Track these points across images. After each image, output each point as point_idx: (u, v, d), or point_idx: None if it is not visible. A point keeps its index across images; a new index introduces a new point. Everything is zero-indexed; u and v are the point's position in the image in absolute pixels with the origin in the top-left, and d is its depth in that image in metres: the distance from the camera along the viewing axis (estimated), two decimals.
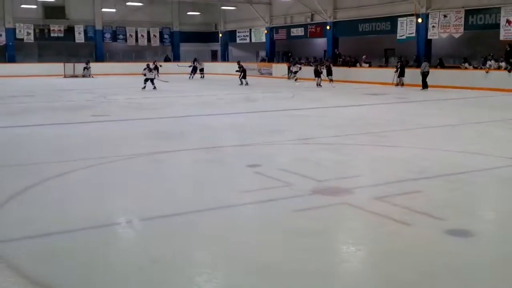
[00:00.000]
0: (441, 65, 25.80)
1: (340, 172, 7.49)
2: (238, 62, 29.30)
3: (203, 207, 5.76)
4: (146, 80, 23.21)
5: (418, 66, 26.26)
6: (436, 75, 24.75)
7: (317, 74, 26.34)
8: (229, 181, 7.03)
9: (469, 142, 9.99)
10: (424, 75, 23.70)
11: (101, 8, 40.08)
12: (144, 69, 23.78)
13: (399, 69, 25.39)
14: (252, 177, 7.16)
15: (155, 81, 23.72)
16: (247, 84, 26.88)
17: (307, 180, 6.81)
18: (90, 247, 4.62)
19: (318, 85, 25.89)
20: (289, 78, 31.58)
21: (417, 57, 26.81)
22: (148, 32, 42.23)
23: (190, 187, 6.79)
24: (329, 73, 26.73)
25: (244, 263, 4.31)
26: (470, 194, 6.53)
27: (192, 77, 33.30)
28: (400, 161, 8.20)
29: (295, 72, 30.76)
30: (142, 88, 22.82)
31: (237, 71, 28.36)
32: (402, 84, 25.27)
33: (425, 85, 23.60)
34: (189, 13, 42.98)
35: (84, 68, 35.16)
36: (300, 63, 32.09)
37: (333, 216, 5.56)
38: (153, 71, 24.83)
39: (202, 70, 34.27)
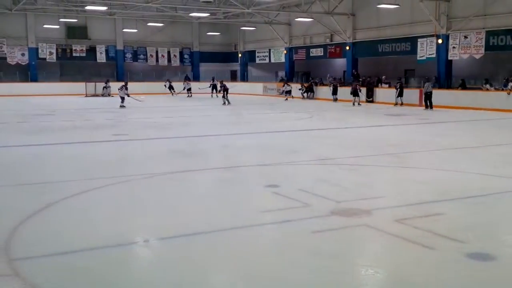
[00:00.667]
0: (463, 86, 25.62)
1: (360, 193, 7.43)
2: (213, 79, 31.85)
3: (222, 227, 5.76)
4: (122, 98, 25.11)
5: (440, 87, 26.16)
6: (457, 96, 24.59)
7: (356, 94, 26.87)
8: (248, 201, 7.03)
9: (491, 164, 9.84)
10: (427, 95, 23.99)
11: (123, 29, 40.71)
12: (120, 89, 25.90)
13: (398, 90, 26.22)
14: (270, 197, 7.15)
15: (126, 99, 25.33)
16: (229, 103, 27.27)
17: (326, 201, 6.77)
18: (109, 267, 4.63)
19: (357, 104, 26.58)
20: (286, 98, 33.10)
21: (437, 78, 26.67)
22: (169, 52, 42.73)
23: (209, 207, 6.78)
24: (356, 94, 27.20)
25: (263, 284, 4.29)
26: (492, 217, 6.42)
27: (216, 95, 33.93)
28: (421, 183, 8.11)
29: (288, 92, 33.23)
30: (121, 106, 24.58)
31: (218, 87, 31.49)
32: (402, 104, 25.98)
33: (430, 105, 23.84)
34: (209, 33, 43.45)
35: (104, 87, 35.66)
36: (288, 84, 34.22)
37: (352, 238, 5.51)
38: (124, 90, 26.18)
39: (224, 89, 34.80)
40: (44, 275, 4.45)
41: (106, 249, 5.06)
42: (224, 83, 29.29)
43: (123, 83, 27.09)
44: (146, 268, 4.79)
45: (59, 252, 4.95)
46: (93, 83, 36.18)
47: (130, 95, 25.60)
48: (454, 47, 25.82)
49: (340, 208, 6.44)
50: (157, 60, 42.24)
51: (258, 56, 42.15)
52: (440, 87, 26.42)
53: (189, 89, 36.63)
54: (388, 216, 6.17)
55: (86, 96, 34.97)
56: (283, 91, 33.96)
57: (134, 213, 6.47)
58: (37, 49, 38.42)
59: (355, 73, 32.12)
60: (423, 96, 24.24)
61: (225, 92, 27.83)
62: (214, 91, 34.79)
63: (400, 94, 26.10)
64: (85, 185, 7.82)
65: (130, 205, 6.83)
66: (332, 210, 6.34)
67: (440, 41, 26.19)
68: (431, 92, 23.78)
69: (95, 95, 35.07)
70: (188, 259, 4.82)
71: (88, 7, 32.49)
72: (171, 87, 37.40)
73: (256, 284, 4.31)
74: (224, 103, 27.33)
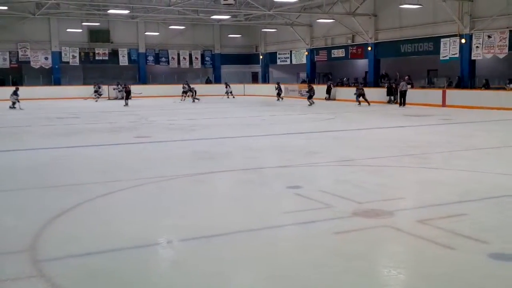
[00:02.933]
0: (487, 86, 25.31)
1: (382, 194, 7.41)
2: (186, 83, 33.98)
3: (245, 228, 5.81)
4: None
5: (464, 87, 25.90)
6: (480, 96, 24.31)
7: (390, 93, 28.53)
8: (269, 202, 7.06)
9: None
10: (402, 93, 25.62)
11: (145, 32, 41.16)
12: (119, 90, 28.43)
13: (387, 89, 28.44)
14: (292, 198, 7.17)
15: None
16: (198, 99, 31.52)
17: (348, 202, 6.78)
18: (132, 267, 4.69)
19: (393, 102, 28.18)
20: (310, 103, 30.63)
21: (460, 78, 26.40)
22: (190, 55, 43.04)
23: (231, 208, 6.84)
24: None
25: (285, 285, 4.31)
26: None
27: (184, 99, 33.64)
28: (443, 184, 8.06)
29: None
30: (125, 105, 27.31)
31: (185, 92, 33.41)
32: (395, 102, 27.65)
33: (403, 103, 25.66)
34: (230, 35, 43.64)
35: (117, 90, 35.63)
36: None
37: (374, 238, 5.50)
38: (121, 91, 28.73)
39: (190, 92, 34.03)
40: (69, 276, 4.52)
41: (130, 250, 5.13)
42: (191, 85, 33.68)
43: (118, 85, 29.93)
44: (169, 269, 4.85)
45: (83, 253, 5.02)
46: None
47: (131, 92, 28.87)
48: (477, 47, 25.53)
49: (362, 209, 6.43)
50: (178, 63, 42.58)
51: (279, 58, 42.17)
52: (464, 87, 26.15)
53: (186, 92, 34.70)
54: (411, 217, 6.15)
55: (109, 99, 35.36)
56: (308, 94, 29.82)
57: (157, 214, 6.54)
58: (60, 53, 39.03)
59: (384, 73, 32.18)
60: (398, 93, 26.14)
61: (194, 93, 32.36)
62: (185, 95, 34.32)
63: (389, 93, 28.20)
64: (109, 187, 7.93)
65: (153, 207, 6.89)
66: (354, 211, 6.34)
67: (463, 40, 25.91)
68: (405, 91, 25.58)
69: (120, 98, 35.18)
70: (211, 260, 4.86)
71: (110, 11, 32.92)
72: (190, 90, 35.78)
73: (279, 285, 4.33)
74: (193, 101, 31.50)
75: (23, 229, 5.78)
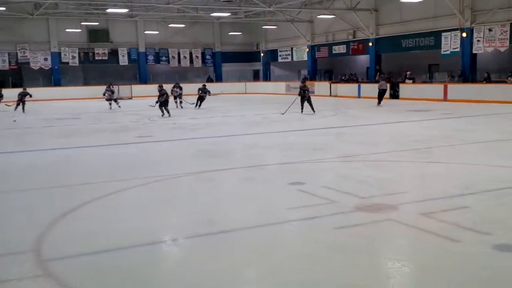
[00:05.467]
0: (488, 79, 25.29)
1: (384, 189, 7.43)
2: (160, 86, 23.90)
3: (249, 224, 5.85)
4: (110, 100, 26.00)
5: (465, 81, 25.88)
6: (482, 90, 24.29)
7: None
8: (273, 199, 7.10)
9: None
10: (380, 92, 24.36)
11: (144, 31, 41.05)
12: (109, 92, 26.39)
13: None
14: (295, 194, 7.20)
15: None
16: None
17: (351, 197, 6.80)
18: (139, 265, 4.72)
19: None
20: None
21: (462, 72, 26.38)
22: (191, 53, 42.97)
23: (236, 205, 6.87)
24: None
25: (291, 280, 4.34)
26: None
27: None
28: (445, 177, 8.08)
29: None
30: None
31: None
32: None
33: (380, 102, 24.22)
34: (230, 33, 43.58)
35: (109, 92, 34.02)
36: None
37: (378, 232, 5.53)
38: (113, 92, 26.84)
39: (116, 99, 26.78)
40: (76, 275, 4.54)
41: (137, 248, 5.16)
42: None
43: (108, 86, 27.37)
44: (176, 266, 4.88)
45: (90, 252, 5.05)
46: (116, 87, 36.37)
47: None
48: (478, 41, 25.51)
49: (366, 204, 6.46)
50: (179, 62, 42.49)
51: (280, 55, 42.16)
52: (465, 81, 26.13)
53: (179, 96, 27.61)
54: (414, 210, 6.18)
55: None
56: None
57: (163, 212, 6.58)
58: (59, 53, 38.88)
59: (378, 68, 31.91)
60: (377, 92, 24.56)
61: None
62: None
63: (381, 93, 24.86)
64: (113, 186, 7.96)
65: (159, 205, 6.93)
66: (358, 206, 6.37)
67: (464, 34, 25.89)
68: (385, 89, 24.59)
69: (120, 98, 34.70)
70: (216, 257, 4.89)
71: (109, 10, 32.72)
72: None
73: (283, 280, 4.36)
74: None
75: (30, 229, 5.82)
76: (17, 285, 4.38)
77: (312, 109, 20.39)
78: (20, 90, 26.13)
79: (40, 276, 4.48)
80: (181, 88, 25.86)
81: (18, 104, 24.83)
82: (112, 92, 26.58)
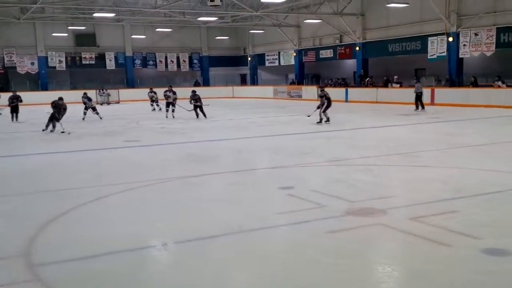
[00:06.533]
0: (475, 84, 25.47)
1: (374, 193, 7.43)
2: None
3: (238, 229, 5.78)
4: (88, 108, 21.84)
5: (452, 85, 26.04)
6: (468, 94, 24.46)
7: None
8: (262, 203, 7.06)
9: (504, 161, 9.80)
10: (418, 96, 22.82)
11: (131, 35, 40.95)
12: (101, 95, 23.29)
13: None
14: (285, 199, 7.17)
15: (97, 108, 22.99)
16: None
17: (341, 201, 6.79)
18: (127, 270, 4.69)
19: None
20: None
21: (449, 76, 26.57)
22: (178, 58, 42.94)
23: (224, 210, 6.82)
24: None
25: (279, 285, 4.31)
26: (507, 213, 6.38)
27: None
28: (434, 181, 8.09)
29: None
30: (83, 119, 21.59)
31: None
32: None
33: (421, 106, 22.60)
34: (217, 37, 43.56)
35: (102, 95, 34.47)
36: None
37: (368, 237, 5.51)
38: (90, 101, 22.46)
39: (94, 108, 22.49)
40: (64, 280, 4.52)
41: (124, 253, 5.12)
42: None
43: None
44: (164, 271, 4.83)
45: (78, 257, 5.02)
46: (108, 91, 36.20)
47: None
48: (464, 45, 25.74)
49: (355, 208, 6.45)
50: (166, 66, 42.44)
51: (267, 59, 42.22)
52: (452, 85, 26.32)
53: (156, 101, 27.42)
54: (403, 214, 6.17)
55: (97, 103, 34.97)
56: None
57: (151, 217, 6.52)
58: (46, 57, 38.77)
59: (362, 73, 32.08)
60: (414, 96, 22.94)
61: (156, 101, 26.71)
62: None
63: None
64: (101, 191, 7.90)
65: (147, 210, 6.87)
66: (347, 210, 6.35)
67: (450, 39, 26.12)
68: (421, 93, 22.86)
69: (108, 102, 34.74)
70: (205, 261, 4.86)
71: (96, 14, 32.58)
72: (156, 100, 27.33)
73: (273, 284, 4.33)
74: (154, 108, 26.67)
75: (17, 234, 5.77)
76: None
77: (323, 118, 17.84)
78: (10, 94, 24.65)
79: (30, 281, 4.47)
80: (174, 93, 22.26)
81: (12, 109, 22.42)
82: (89, 99, 22.15)
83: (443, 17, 26.12)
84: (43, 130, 16.79)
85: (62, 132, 16.14)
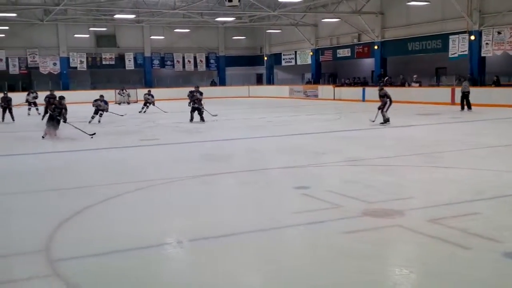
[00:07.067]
0: (497, 83, 25.02)
1: (391, 193, 7.28)
2: (149, 91, 25.27)
3: (253, 228, 5.73)
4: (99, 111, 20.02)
5: (473, 84, 25.59)
6: (491, 94, 24.03)
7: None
8: (278, 203, 6.98)
9: None
10: (464, 95, 21.76)
11: (150, 36, 41.32)
12: (100, 100, 20.22)
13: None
14: (300, 198, 7.06)
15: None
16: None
17: (357, 202, 6.65)
18: (144, 267, 4.68)
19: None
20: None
21: (471, 76, 26.13)
22: (195, 58, 43.12)
23: (239, 209, 6.76)
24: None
25: (295, 285, 4.23)
26: None
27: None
28: (454, 182, 7.91)
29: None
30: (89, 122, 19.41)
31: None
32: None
33: (468, 106, 21.54)
34: (234, 37, 43.65)
35: (122, 95, 34.67)
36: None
37: (385, 238, 5.38)
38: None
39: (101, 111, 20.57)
40: (82, 275, 4.56)
41: (139, 250, 5.12)
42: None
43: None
44: (179, 269, 4.82)
45: (97, 253, 5.06)
46: (129, 91, 36.42)
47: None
48: (487, 44, 25.28)
49: (372, 209, 6.31)
50: (183, 66, 42.66)
51: (284, 59, 42.08)
52: (473, 84, 25.90)
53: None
54: (422, 216, 6.02)
55: (116, 103, 35.23)
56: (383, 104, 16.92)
57: (166, 215, 6.51)
58: (68, 58, 39.38)
59: (382, 72, 31.75)
60: (460, 95, 21.90)
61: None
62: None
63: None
64: (117, 189, 7.90)
65: (161, 208, 6.87)
66: (364, 211, 6.22)
67: (472, 37, 25.67)
68: (468, 92, 21.59)
69: (128, 102, 34.86)
70: (220, 260, 4.81)
71: (116, 16, 33.05)
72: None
73: (288, 285, 4.25)
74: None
75: (37, 230, 5.83)
76: (26, 285, 4.43)
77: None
78: (47, 93, 22.63)
79: (49, 276, 4.52)
80: (201, 93, 20.18)
81: (45, 109, 19.76)
82: (106, 102, 20.40)
83: (465, 15, 25.70)
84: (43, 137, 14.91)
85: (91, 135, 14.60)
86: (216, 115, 20.24)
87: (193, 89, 20.54)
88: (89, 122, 19.40)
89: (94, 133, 14.94)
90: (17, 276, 4.65)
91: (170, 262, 5.00)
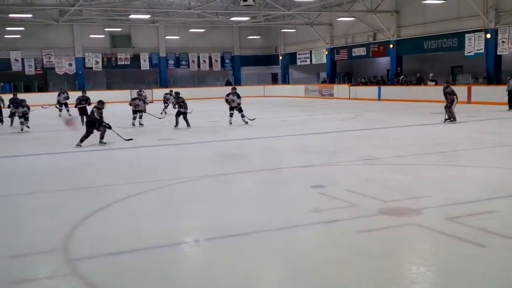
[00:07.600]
0: None
1: (408, 192, 7.29)
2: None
3: (270, 227, 5.78)
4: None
5: (489, 83, 25.34)
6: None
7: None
8: (294, 202, 7.02)
9: None
10: (511, 93, 20.42)
11: (165, 36, 41.46)
12: (138, 99, 19.22)
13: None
14: (316, 197, 7.10)
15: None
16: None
17: (373, 200, 6.68)
18: (161, 266, 4.74)
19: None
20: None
21: (487, 74, 25.90)
22: (210, 57, 43.17)
23: (256, 208, 6.82)
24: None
25: (312, 284, 4.28)
26: None
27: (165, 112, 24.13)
28: (471, 181, 7.90)
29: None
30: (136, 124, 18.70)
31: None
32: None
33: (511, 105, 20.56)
34: (249, 37, 43.64)
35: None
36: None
37: (401, 237, 5.41)
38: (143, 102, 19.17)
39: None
40: (102, 274, 4.62)
41: (157, 249, 5.19)
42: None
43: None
44: (196, 267, 4.87)
45: (115, 252, 5.13)
46: (147, 91, 36.52)
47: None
48: (503, 42, 25.04)
49: (388, 208, 6.33)
50: (198, 66, 42.73)
51: (299, 58, 41.98)
52: (489, 83, 25.68)
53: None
54: (438, 214, 6.03)
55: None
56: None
57: (184, 214, 6.60)
58: (83, 58, 39.67)
59: (399, 71, 31.57)
60: (507, 94, 20.63)
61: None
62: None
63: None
64: (135, 188, 7.99)
65: (179, 207, 6.95)
66: (380, 209, 6.25)
67: (488, 36, 25.44)
68: None
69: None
70: (237, 259, 4.87)
71: (131, 16, 33.24)
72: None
73: (305, 283, 4.29)
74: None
75: (56, 229, 5.92)
76: (46, 283, 4.50)
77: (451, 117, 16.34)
78: (79, 93, 20.98)
79: (68, 275, 4.58)
80: (239, 96, 18.41)
81: (79, 111, 19.33)
82: (144, 101, 19.20)
83: (481, 14, 25.48)
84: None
85: (104, 143, 13.72)
86: (254, 119, 18.57)
87: (229, 91, 18.50)
88: (132, 124, 18.45)
89: (131, 139, 14.26)
90: (37, 275, 4.71)
91: (188, 261, 5.06)
